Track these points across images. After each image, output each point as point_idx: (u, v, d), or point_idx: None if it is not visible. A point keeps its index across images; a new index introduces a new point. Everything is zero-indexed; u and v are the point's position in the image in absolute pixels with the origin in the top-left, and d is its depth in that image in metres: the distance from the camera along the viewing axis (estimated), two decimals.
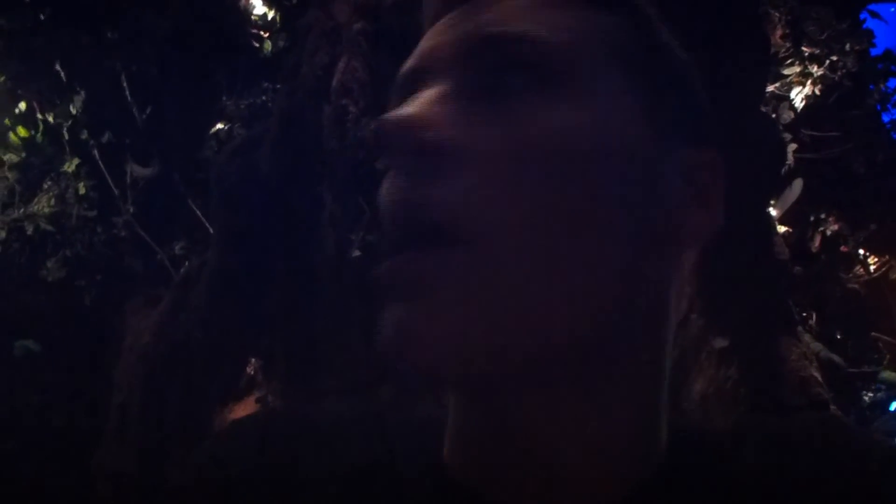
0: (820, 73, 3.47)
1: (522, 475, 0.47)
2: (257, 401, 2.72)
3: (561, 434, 0.46)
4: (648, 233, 0.45)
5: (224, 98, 3.76)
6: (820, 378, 2.21)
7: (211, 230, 3.21)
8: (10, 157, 4.23)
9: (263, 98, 3.71)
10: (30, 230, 4.14)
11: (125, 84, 3.63)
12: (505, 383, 0.44)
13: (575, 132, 0.44)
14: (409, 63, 0.49)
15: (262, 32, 3.70)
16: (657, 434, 0.49)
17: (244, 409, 2.70)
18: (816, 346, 2.73)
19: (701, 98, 0.51)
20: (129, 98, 3.67)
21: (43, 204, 4.20)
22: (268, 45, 3.66)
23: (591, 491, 0.47)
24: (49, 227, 4.14)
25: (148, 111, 3.71)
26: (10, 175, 4.28)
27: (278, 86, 3.28)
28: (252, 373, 2.75)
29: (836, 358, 2.89)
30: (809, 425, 0.53)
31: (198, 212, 3.61)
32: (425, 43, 0.49)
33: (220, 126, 3.82)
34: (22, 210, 4.22)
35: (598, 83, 0.45)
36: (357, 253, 2.32)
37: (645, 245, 0.45)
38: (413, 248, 0.42)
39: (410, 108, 0.43)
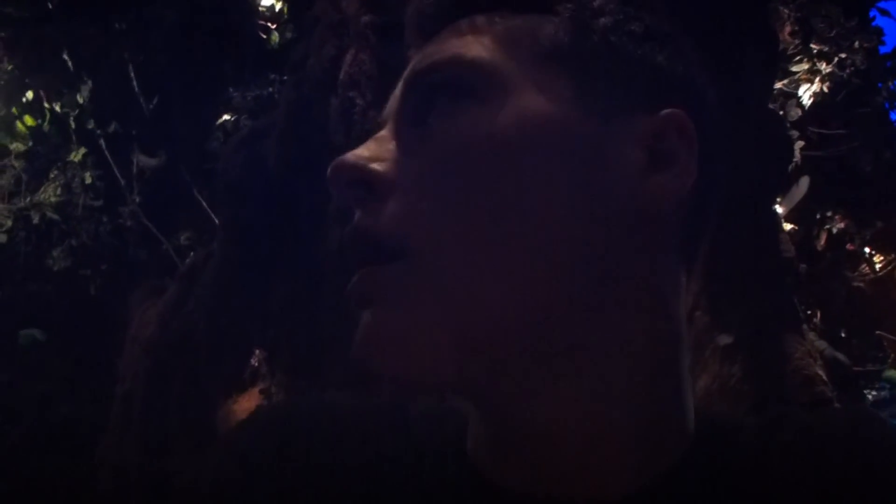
0: (828, 70, 3.46)
1: (538, 465, 0.47)
2: (261, 392, 2.73)
3: (564, 421, 0.46)
4: (601, 208, 0.47)
5: (231, 89, 3.76)
6: (824, 376, 2.21)
7: (216, 221, 3.21)
8: (16, 146, 4.24)
9: (270, 90, 3.72)
10: (36, 219, 4.15)
11: (132, 74, 3.64)
12: (480, 380, 0.46)
13: (496, 135, 0.46)
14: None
15: (269, 24, 3.70)
16: (680, 421, 0.49)
17: (248, 400, 2.71)
18: (821, 343, 2.72)
19: (659, 62, 0.50)
20: (135, 88, 3.68)
21: (49, 193, 4.21)
22: (275, 37, 3.66)
23: (612, 478, 0.47)
24: (55, 217, 4.15)
25: (154, 102, 3.71)
26: (16, 164, 4.30)
27: (285, 77, 3.28)
28: (256, 364, 2.75)
29: (840, 356, 2.88)
30: (841, 417, 0.53)
31: (203, 203, 3.62)
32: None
33: (226, 117, 3.82)
34: (28, 199, 4.23)
35: (520, 83, 0.48)
36: None
37: (601, 220, 0.47)
38: (367, 265, 0.47)
39: (354, 151, 0.49)
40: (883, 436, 0.50)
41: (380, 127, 0.53)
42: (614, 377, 0.47)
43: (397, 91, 0.52)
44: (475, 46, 0.49)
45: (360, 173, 0.48)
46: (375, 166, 0.48)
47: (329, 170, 0.48)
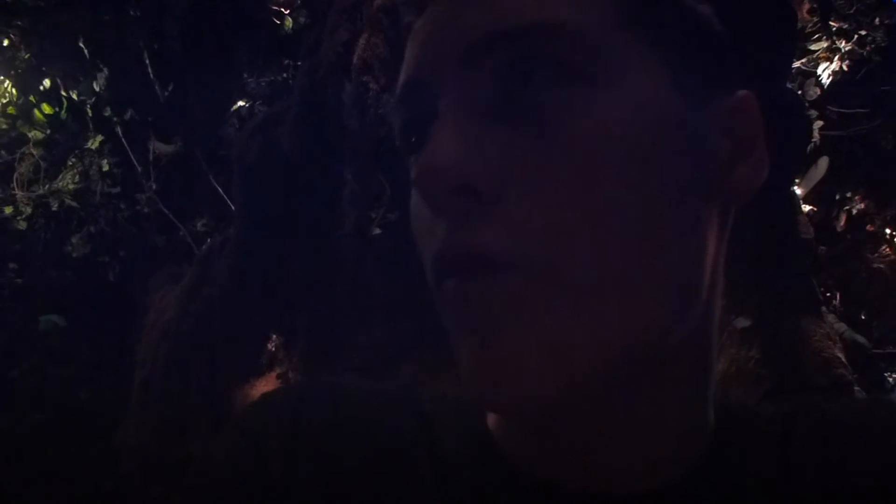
0: (848, 48, 3.41)
1: (573, 455, 0.46)
2: (278, 377, 2.74)
3: (619, 419, 0.45)
4: (704, 205, 0.43)
5: (245, 75, 3.76)
6: (843, 359, 2.19)
7: (232, 207, 3.22)
8: (34, 134, 4.27)
9: (284, 75, 3.71)
10: (55, 206, 4.18)
11: (147, 61, 3.64)
12: (582, 395, 0.41)
13: (614, 126, 0.40)
14: (408, 73, 0.45)
15: (282, 9, 3.69)
16: (706, 412, 0.48)
17: (266, 385, 2.72)
18: (840, 326, 2.70)
19: (724, 37, 0.45)
20: (151, 75, 3.69)
21: (67, 181, 4.24)
22: (289, 22, 3.65)
23: (643, 471, 0.46)
24: (74, 204, 4.18)
25: (170, 88, 3.72)
26: (35, 152, 4.32)
27: (299, 63, 3.27)
28: (273, 349, 2.76)
29: (860, 338, 2.86)
30: (860, 406, 0.52)
31: (219, 189, 3.63)
32: (419, 47, 0.45)
33: (241, 103, 3.83)
34: (47, 186, 4.26)
35: (624, 62, 0.41)
36: (377, 231, 2.32)
37: (704, 219, 0.43)
38: (476, 277, 0.40)
39: (435, 148, 0.39)
40: None
41: (416, 95, 0.44)
42: (670, 380, 0.45)
43: (448, 59, 0.42)
44: (565, 7, 0.41)
45: (464, 177, 0.39)
46: (478, 167, 0.39)
47: (420, 175, 0.39)
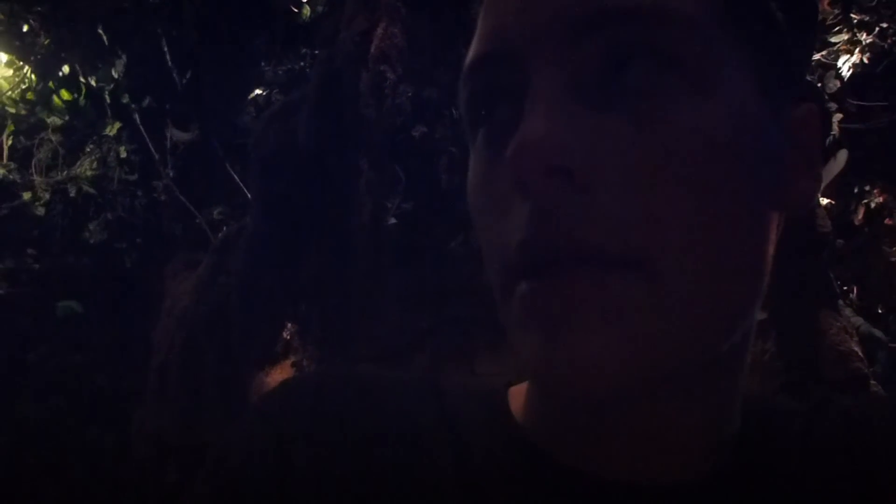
0: (869, 40, 3.37)
1: (606, 447, 0.46)
2: (293, 365, 2.75)
3: (663, 414, 0.44)
4: (768, 214, 0.42)
5: (262, 64, 3.77)
6: (860, 352, 2.18)
7: (249, 195, 3.23)
8: (53, 120, 4.29)
9: (302, 64, 3.72)
10: (73, 193, 4.21)
11: (166, 49, 3.65)
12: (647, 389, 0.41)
13: (713, 126, 0.39)
14: (493, 41, 0.42)
15: None
16: (735, 408, 0.48)
17: (280, 372, 2.74)
18: (857, 320, 2.69)
19: (796, 43, 0.44)
20: (169, 63, 3.69)
21: (85, 167, 4.26)
22: (306, 11, 3.65)
23: (672, 465, 0.46)
24: (91, 190, 4.20)
25: (187, 76, 3.72)
26: (53, 137, 4.35)
27: (316, 52, 3.27)
28: (288, 337, 2.78)
29: (877, 332, 2.84)
30: (882, 403, 0.52)
31: (236, 177, 3.64)
32: (510, 14, 0.41)
33: (258, 92, 3.83)
34: (65, 173, 4.28)
35: (725, 59, 0.40)
36: (393, 220, 2.32)
37: (767, 227, 0.43)
38: (570, 269, 0.38)
39: (538, 126, 0.38)
40: None
41: (504, 67, 0.41)
42: (710, 378, 0.45)
43: (547, 28, 0.39)
44: None
45: (562, 159, 0.37)
46: (577, 151, 0.38)
47: (517, 152, 0.37)
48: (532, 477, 0.47)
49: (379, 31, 2.33)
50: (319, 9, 3.55)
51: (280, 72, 3.76)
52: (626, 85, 0.39)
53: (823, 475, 0.47)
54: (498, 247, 0.42)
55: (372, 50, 2.32)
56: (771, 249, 0.43)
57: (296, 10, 3.61)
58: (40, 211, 4.24)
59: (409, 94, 2.27)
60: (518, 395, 0.50)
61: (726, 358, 0.44)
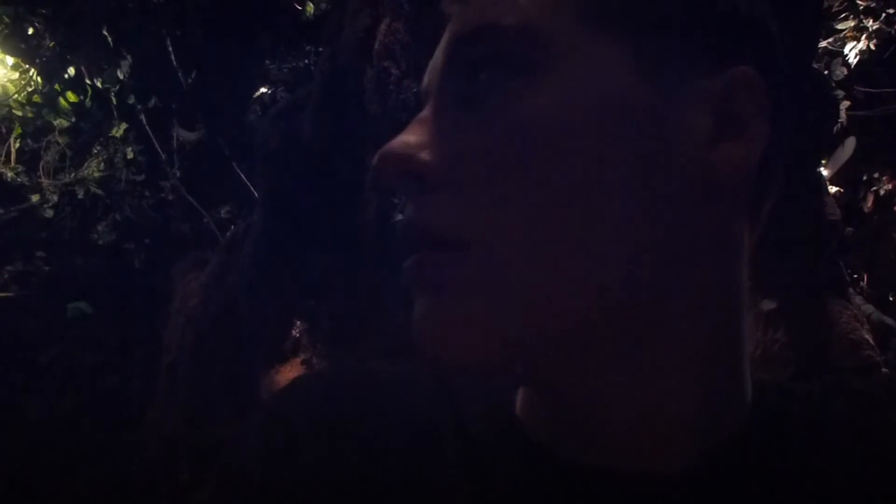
0: (875, 26, 3.35)
1: (596, 438, 0.47)
2: (303, 363, 2.76)
3: (625, 398, 0.45)
4: (667, 187, 0.44)
5: (267, 62, 3.77)
6: (871, 340, 2.17)
7: (255, 194, 3.23)
8: (60, 123, 4.30)
9: (306, 61, 3.72)
10: (80, 194, 4.22)
11: (170, 49, 3.66)
12: (540, 367, 0.45)
13: (552, 117, 0.43)
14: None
15: None
16: (739, 392, 0.48)
17: (290, 370, 2.74)
18: (868, 307, 2.67)
19: (723, 9, 0.45)
20: (174, 63, 3.70)
21: (93, 168, 4.28)
22: (310, 8, 3.64)
23: (669, 452, 0.46)
24: (99, 192, 4.21)
25: (193, 76, 3.73)
26: (60, 140, 4.36)
27: (321, 49, 3.27)
28: (297, 335, 2.78)
29: (888, 320, 2.82)
30: (893, 382, 0.52)
31: (242, 176, 3.65)
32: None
33: (263, 90, 3.84)
34: (73, 174, 4.30)
35: (572, 52, 0.43)
36: (399, 217, 2.32)
37: (667, 200, 0.44)
38: (424, 251, 0.45)
39: (398, 137, 0.45)
40: None
41: (421, 100, 0.49)
42: (679, 353, 0.45)
43: (437, 61, 0.48)
44: (519, 9, 0.44)
45: (409, 164, 0.44)
46: (424, 156, 0.44)
47: (375, 161, 0.45)
48: (527, 470, 0.48)
49: (383, 27, 2.32)
50: (323, 5, 3.55)
51: (285, 69, 3.76)
52: (475, 92, 0.45)
53: (833, 460, 0.47)
54: None
55: (376, 46, 2.32)
56: (684, 214, 0.44)
57: (300, 7, 3.61)
58: (49, 213, 4.25)
59: (414, 90, 2.26)
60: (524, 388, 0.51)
61: (679, 332, 0.45)
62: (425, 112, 0.47)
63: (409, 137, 0.45)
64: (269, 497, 0.49)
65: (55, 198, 4.26)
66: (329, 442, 0.50)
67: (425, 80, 0.49)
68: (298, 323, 2.77)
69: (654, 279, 0.44)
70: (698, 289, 0.45)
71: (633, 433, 0.46)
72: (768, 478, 0.46)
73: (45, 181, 4.30)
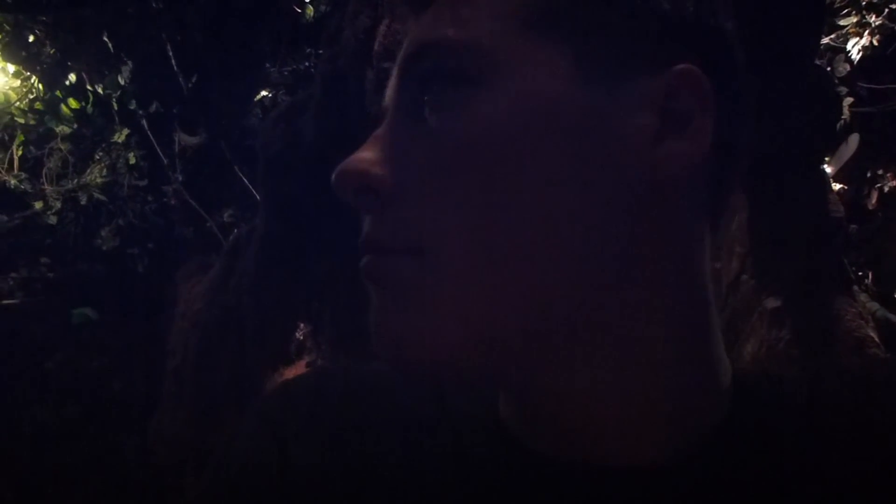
0: (878, 22, 3.34)
1: (572, 432, 0.47)
2: (307, 365, 2.76)
3: (595, 392, 0.46)
4: (614, 185, 0.44)
5: (268, 65, 3.77)
6: (876, 338, 2.16)
7: (258, 197, 3.23)
8: (62, 129, 4.31)
9: (306, 64, 3.72)
10: (84, 200, 4.23)
11: (171, 53, 3.66)
12: (504, 366, 0.46)
13: (495, 125, 0.44)
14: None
15: None
16: (715, 384, 0.49)
17: (295, 373, 2.74)
18: (873, 305, 2.66)
19: (665, 9, 0.46)
20: (175, 67, 3.70)
21: (95, 174, 4.28)
22: (310, 10, 3.65)
23: (645, 444, 0.47)
24: (102, 197, 4.22)
25: (193, 80, 3.73)
26: (62, 146, 4.37)
27: (321, 51, 3.27)
28: (301, 338, 2.78)
29: (893, 317, 2.81)
30: (888, 365, 0.52)
31: (245, 179, 3.65)
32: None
33: (264, 93, 3.84)
34: (76, 181, 4.30)
35: (515, 61, 0.45)
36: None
37: (614, 197, 0.45)
38: (381, 254, 0.47)
39: (354, 154, 0.47)
40: None
41: (381, 117, 0.51)
42: (644, 347, 0.46)
43: (393, 78, 0.50)
44: (462, 24, 0.46)
45: (365, 180, 0.46)
46: (378, 171, 0.46)
47: (333, 178, 0.47)
48: (509, 468, 0.49)
49: (382, 28, 2.32)
50: (323, 8, 3.55)
51: (285, 72, 3.77)
52: (426, 106, 0.46)
53: (827, 443, 0.47)
54: None
55: (376, 47, 2.32)
56: (631, 211, 0.45)
57: (299, 10, 3.61)
58: (52, 220, 4.26)
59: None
60: None
61: (677, 335, 0.46)
62: (381, 128, 0.48)
63: (365, 154, 0.47)
64: (257, 499, 0.49)
65: (58, 204, 4.27)
66: (316, 443, 0.51)
67: (385, 96, 0.51)
68: (302, 325, 2.77)
69: (607, 276, 0.45)
70: (654, 283, 0.46)
71: (602, 427, 0.47)
72: (751, 467, 0.47)
73: (48, 188, 4.31)
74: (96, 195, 4.22)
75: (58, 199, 4.27)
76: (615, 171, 0.45)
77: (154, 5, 3.53)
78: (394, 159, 0.46)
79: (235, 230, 3.60)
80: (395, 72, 0.49)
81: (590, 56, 0.45)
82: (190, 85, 3.71)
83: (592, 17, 0.45)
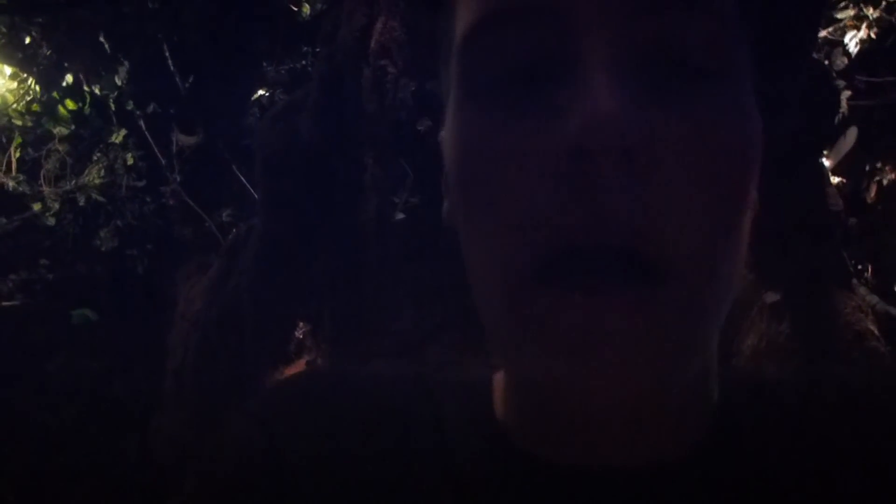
0: (876, 15, 3.34)
1: (575, 435, 0.46)
2: (307, 364, 2.75)
3: (607, 395, 0.44)
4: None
5: (264, 64, 3.77)
6: (876, 331, 2.16)
7: (256, 196, 3.23)
8: (59, 130, 4.30)
9: (303, 62, 3.71)
10: (82, 201, 4.22)
11: (167, 54, 3.66)
12: None
13: (746, 121, 0.39)
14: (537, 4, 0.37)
15: None
16: (710, 386, 0.48)
17: (295, 372, 2.74)
18: (872, 298, 2.66)
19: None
20: (171, 67, 3.70)
21: (93, 175, 4.27)
22: (306, 9, 3.64)
23: (645, 448, 0.46)
24: (100, 198, 4.21)
25: (190, 80, 3.73)
26: (60, 148, 4.36)
27: (317, 49, 3.27)
28: (301, 337, 2.78)
29: (893, 310, 2.81)
30: (875, 374, 0.51)
31: (243, 178, 3.64)
32: None
33: (261, 92, 3.83)
34: (74, 182, 4.30)
35: (741, 55, 0.40)
36: (400, 216, 2.31)
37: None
38: (622, 284, 0.35)
39: (611, 102, 0.34)
40: None
41: (532, 21, 0.37)
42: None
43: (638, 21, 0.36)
44: (726, 6, 0.38)
45: (636, 141, 0.35)
46: (640, 131, 0.34)
47: (592, 129, 0.34)
48: (505, 472, 0.47)
49: (378, 25, 2.32)
50: (319, 6, 3.55)
51: (282, 71, 3.76)
52: (682, 73, 0.37)
53: (811, 450, 0.46)
54: (509, 234, 0.37)
55: (372, 45, 2.31)
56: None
57: (295, 9, 3.61)
58: (51, 221, 4.26)
59: (413, 88, 2.26)
60: (499, 383, 0.51)
61: None
62: (612, 67, 0.36)
63: (620, 103, 0.34)
64: (246, 499, 0.49)
65: (57, 206, 4.26)
66: (308, 445, 0.50)
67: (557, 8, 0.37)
68: (302, 324, 2.76)
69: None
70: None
71: (611, 432, 0.45)
72: (750, 467, 0.46)
73: (46, 189, 4.31)
74: (95, 196, 4.21)
75: (56, 201, 4.27)
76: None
77: (150, 5, 3.53)
78: (653, 124, 0.35)
79: (234, 230, 3.59)
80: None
81: (748, 68, 0.41)
82: (187, 85, 3.71)
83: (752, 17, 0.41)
